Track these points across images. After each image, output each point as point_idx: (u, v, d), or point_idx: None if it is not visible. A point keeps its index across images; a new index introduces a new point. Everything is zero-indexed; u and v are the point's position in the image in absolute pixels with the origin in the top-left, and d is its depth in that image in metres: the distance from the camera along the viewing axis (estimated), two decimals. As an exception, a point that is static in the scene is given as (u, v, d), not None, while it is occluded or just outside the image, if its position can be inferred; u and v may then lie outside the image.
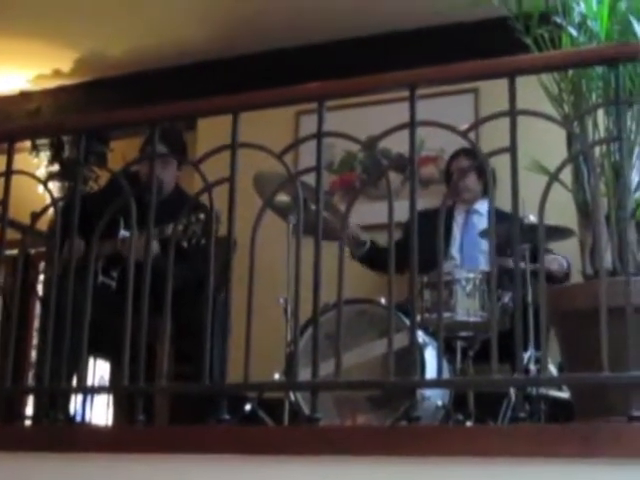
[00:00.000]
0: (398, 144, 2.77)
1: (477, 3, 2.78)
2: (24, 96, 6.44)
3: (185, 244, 3.42)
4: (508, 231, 2.58)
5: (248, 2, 5.37)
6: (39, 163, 6.14)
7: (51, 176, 6.01)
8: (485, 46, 2.69)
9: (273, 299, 2.87)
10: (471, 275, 3.95)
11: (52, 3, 5.53)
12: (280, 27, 5.54)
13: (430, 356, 3.56)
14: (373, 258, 4.30)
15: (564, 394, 3.25)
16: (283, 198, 3.47)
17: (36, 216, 3.46)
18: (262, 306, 2.80)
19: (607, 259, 2.52)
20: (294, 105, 3.09)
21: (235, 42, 5.72)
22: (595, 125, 2.65)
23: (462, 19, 4.98)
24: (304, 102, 3.02)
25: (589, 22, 2.65)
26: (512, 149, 2.50)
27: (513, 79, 2.53)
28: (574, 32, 2.66)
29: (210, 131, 3.11)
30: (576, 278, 2.71)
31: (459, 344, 3.87)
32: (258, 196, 3.35)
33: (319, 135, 2.79)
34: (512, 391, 3.29)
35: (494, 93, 2.63)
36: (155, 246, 3.01)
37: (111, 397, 3.67)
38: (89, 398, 3.52)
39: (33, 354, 5.57)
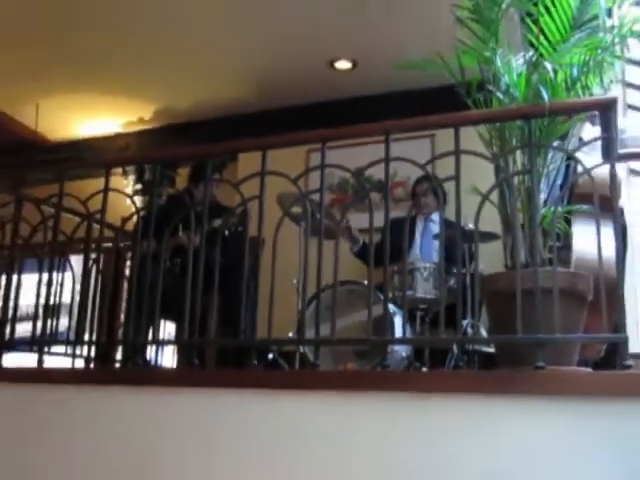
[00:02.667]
0: (378, 172, 2.76)
1: (434, 75, 2.76)
2: (117, 136, 6.45)
3: (226, 232, 3.41)
4: (453, 235, 2.59)
5: (272, 79, 5.40)
6: (127, 183, 6.14)
7: (135, 192, 6.01)
8: (438, 105, 2.68)
9: (289, 280, 2.87)
10: (427, 265, 3.97)
11: (138, 72, 5.55)
12: (293, 89, 5.55)
13: (398, 322, 3.56)
14: (364, 254, 4.31)
15: (491, 350, 3.24)
16: (297, 210, 3.47)
17: (125, 220, 3.46)
18: (281, 285, 2.79)
19: (521, 255, 2.52)
20: (305, 145, 3.08)
21: (262, 100, 5.77)
22: (514, 161, 2.65)
23: (422, 86, 5.02)
24: (312, 143, 3.01)
25: (511, 89, 2.64)
26: (456, 177, 2.50)
27: (458, 129, 2.54)
28: (501, 96, 2.65)
29: (247, 162, 3.10)
30: (499, 269, 2.69)
31: (418, 314, 3.88)
32: (279, 208, 3.34)
33: (322, 166, 2.79)
34: (454, 347, 3.28)
35: (445, 138, 2.62)
36: (197, 240, 3.01)
37: (175, 348, 3.66)
38: (160, 348, 3.52)
39: (122, 317, 5.56)
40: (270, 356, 3.43)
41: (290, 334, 3.43)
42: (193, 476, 2.60)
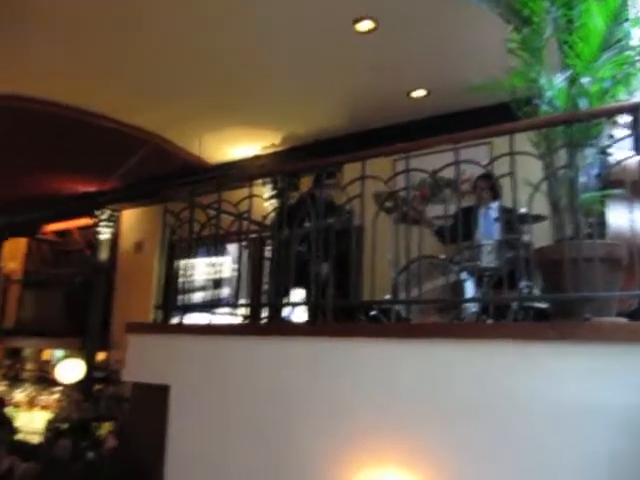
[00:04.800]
0: (447, 173, 2.66)
1: (490, 94, 2.63)
2: (256, 157, 6.59)
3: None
4: (509, 218, 2.46)
5: (361, 107, 5.34)
6: (265, 190, 6.24)
7: (271, 197, 6.11)
8: (493, 119, 2.55)
9: (384, 256, 2.82)
10: (489, 242, 3.80)
11: (269, 110, 5.64)
12: (378, 114, 5.47)
13: (469, 285, 3.44)
14: (441, 235, 4.18)
15: (543, 306, 3.06)
16: (388, 204, 3.41)
17: (265, 217, 3.52)
18: (379, 260, 2.76)
19: (567, 231, 2.37)
20: (392, 155, 3.01)
21: (355, 124, 5.72)
22: (558, 158, 2.49)
23: (480, 105, 4.83)
24: (397, 153, 2.94)
25: (553, 101, 2.49)
26: (512, 173, 2.38)
27: (512, 135, 2.41)
28: (545, 107, 2.50)
29: (351, 169, 3.06)
30: (546, 243, 2.54)
31: (484, 279, 3.73)
32: (374, 203, 3.28)
33: (407, 170, 2.73)
34: (514, 304, 3.13)
35: (500, 144, 2.49)
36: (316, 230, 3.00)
37: (305, 308, 3.68)
38: (294, 308, 3.56)
39: (265, 286, 5.67)
40: (373, 313, 3.39)
41: (387, 296, 3.37)
42: (318, 402, 2.62)
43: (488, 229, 4.40)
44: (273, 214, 3.57)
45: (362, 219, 2.85)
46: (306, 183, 4.73)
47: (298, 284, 3.48)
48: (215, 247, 3.48)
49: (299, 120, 5.82)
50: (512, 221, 2.43)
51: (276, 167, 6.25)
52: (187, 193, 3.65)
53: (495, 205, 4.18)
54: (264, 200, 5.83)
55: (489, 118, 3.09)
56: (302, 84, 5.05)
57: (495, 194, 4.23)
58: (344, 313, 3.17)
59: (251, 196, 3.34)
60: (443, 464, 2.24)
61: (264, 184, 6.17)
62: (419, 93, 5.17)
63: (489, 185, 4.21)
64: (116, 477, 3.56)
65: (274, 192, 6.19)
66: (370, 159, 2.89)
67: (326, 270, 3.00)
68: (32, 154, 6.98)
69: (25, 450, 5.26)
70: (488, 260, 3.66)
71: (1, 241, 9.80)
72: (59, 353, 8.85)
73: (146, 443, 3.22)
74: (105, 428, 6.22)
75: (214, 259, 3.50)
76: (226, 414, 2.92)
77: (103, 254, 8.23)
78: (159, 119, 5.96)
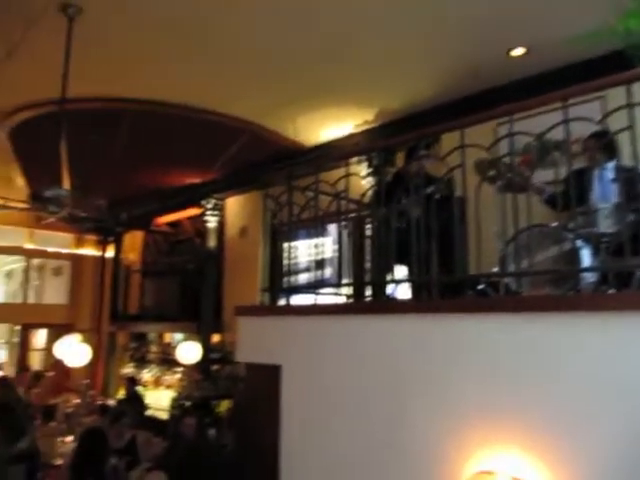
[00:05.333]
0: (557, 134, 2.47)
1: (597, 45, 2.39)
2: (351, 136, 6.54)
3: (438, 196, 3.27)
4: (629, 177, 2.24)
5: (455, 74, 5.11)
6: (361, 169, 6.18)
7: (367, 174, 6.06)
8: (601, 71, 2.32)
9: (490, 228, 2.69)
10: (606, 205, 3.50)
11: (361, 89, 5.56)
12: (474, 78, 5.20)
13: (585, 253, 3.20)
14: (552, 201, 3.93)
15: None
16: (491, 172, 3.24)
17: (362, 195, 3.49)
18: (485, 233, 2.65)
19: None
20: (493, 120, 2.85)
21: (453, 90, 5.45)
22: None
23: (585, 57, 4.46)
24: (499, 117, 2.77)
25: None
26: (630, 127, 2.16)
27: (630, 85, 2.18)
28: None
29: (449, 140, 2.94)
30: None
31: (602, 246, 3.45)
32: (476, 172, 3.13)
33: (511, 134, 2.59)
34: (638, 271, 2.86)
35: (615, 95, 2.27)
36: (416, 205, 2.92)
37: (408, 285, 3.62)
38: (398, 286, 3.52)
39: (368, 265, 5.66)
40: (480, 287, 3.26)
41: (494, 269, 3.23)
42: (426, 381, 2.57)
43: (604, 192, 4.06)
44: (371, 192, 3.52)
45: (464, 190, 2.74)
46: (402, 159, 4.62)
47: (400, 261, 3.43)
48: (315, 228, 3.51)
49: (392, 94, 5.70)
50: (632, 180, 2.21)
51: (371, 143, 6.18)
52: (285, 176, 3.70)
53: (611, 165, 3.85)
54: (361, 178, 5.79)
55: (597, 70, 2.84)
56: (395, 55, 4.92)
57: (610, 153, 3.88)
58: (450, 289, 3.08)
59: (348, 175, 3.33)
60: (560, 447, 2.12)
61: (359, 162, 6.12)
62: (518, 51, 4.85)
63: (602, 144, 3.87)
64: (235, 454, 3.75)
65: (370, 170, 6.13)
66: (469, 127, 2.76)
67: (429, 246, 2.93)
68: (141, 152, 7.44)
69: (154, 425, 5.71)
70: (606, 225, 3.38)
71: (121, 235, 10.59)
72: (179, 336, 9.47)
73: (262, 420, 3.35)
74: (223, 406, 6.59)
75: (315, 240, 3.53)
76: (335, 391, 2.96)
77: (211, 241, 8.63)
78: (255, 107, 6.10)
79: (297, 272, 3.74)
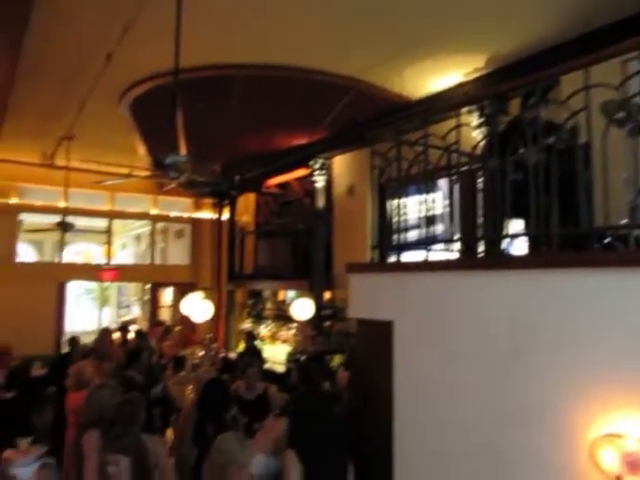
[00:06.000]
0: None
1: None
2: (460, 85, 6.25)
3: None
4: None
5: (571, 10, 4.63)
6: (472, 119, 5.90)
7: (479, 125, 5.77)
8: None
9: (618, 176, 2.47)
10: None
11: (469, 35, 5.27)
12: (597, 9, 4.68)
13: None
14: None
15: None
16: (620, 115, 2.95)
17: (474, 147, 3.34)
18: (613, 181, 2.44)
19: None
20: (621, 56, 2.58)
21: (572, 26, 4.97)
22: None
23: None
24: (630, 52, 2.51)
25: None
26: None
27: None
28: None
29: (571, 81, 2.70)
30: None
31: None
32: (603, 115, 2.86)
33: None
34: None
35: None
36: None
37: (525, 239, 3.45)
38: (512, 240, 3.38)
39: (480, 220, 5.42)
40: (607, 240, 3.02)
41: (624, 221, 2.97)
42: (546, 339, 2.45)
43: None
44: (483, 143, 3.36)
45: (589, 136, 2.52)
46: (517, 106, 4.34)
47: (516, 214, 3.27)
48: (425, 184, 3.43)
49: (504, 36, 5.32)
50: None
51: (482, 91, 5.86)
52: (392, 132, 3.63)
53: None
54: (472, 129, 5.54)
55: None
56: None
57: None
58: (571, 243, 2.89)
59: (458, 126, 3.19)
60: None
61: (470, 112, 5.84)
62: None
63: None
64: (352, 405, 3.86)
65: (482, 120, 5.83)
66: (594, 65, 2.51)
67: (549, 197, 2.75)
68: (251, 117, 7.63)
69: (273, 378, 6.02)
70: None
71: (235, 197, 11.06)
72: (292, 293, 9.83)
73: (374, 375, 3.41)
74: (336, 360, 6.78)
75: (425, 196, 3.46)
76: (449, 348, 2.93)
77: (320, 201, 8.75)
78: (361, 64, 6.01)
79: (406, 229, 3.69)
